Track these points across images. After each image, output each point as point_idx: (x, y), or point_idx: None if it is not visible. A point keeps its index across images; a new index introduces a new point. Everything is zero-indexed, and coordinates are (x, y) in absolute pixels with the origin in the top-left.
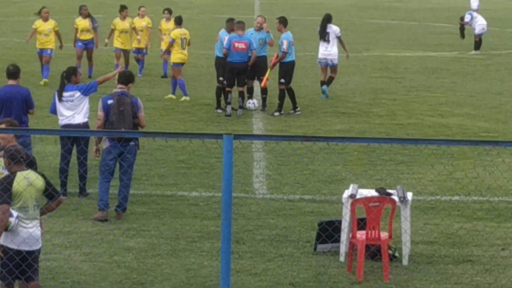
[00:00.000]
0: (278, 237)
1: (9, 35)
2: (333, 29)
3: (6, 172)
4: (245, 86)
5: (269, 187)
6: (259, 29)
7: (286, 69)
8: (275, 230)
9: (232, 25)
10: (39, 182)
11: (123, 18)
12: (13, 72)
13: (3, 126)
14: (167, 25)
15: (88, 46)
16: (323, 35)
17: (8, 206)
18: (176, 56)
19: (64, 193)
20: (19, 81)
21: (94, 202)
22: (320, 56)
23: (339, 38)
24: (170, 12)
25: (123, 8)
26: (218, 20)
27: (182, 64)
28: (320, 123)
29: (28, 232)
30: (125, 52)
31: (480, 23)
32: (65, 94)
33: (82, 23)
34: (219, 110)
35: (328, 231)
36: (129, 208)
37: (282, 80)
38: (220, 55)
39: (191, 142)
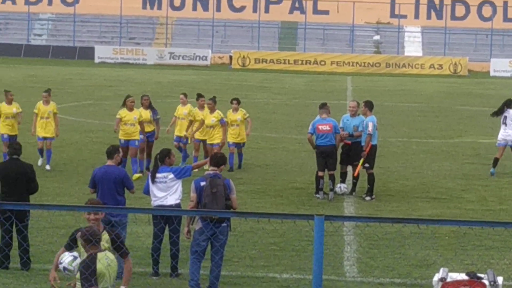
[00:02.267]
0: None
1: (104, 117)
2: (511, 112)
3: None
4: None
5: (360, 270)
6: (354, 114)
7: (369, 153)
8: None
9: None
10: (115, 261)
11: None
12: (109, 152)
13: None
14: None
15: (149, 140)
16: (501, 118)
17: None
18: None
19: (156, 272)
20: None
21: (185, 282)
22: (499, 137)
23: None
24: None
25: (199, 96)
26: (311, 105)
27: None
28: (411, 208)
29: None
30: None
31: None
32: (158, 175)
33: (144, 114)
34: (316, 195)
35: None
36: None
37: (367, 165)
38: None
39: (283, 224)
